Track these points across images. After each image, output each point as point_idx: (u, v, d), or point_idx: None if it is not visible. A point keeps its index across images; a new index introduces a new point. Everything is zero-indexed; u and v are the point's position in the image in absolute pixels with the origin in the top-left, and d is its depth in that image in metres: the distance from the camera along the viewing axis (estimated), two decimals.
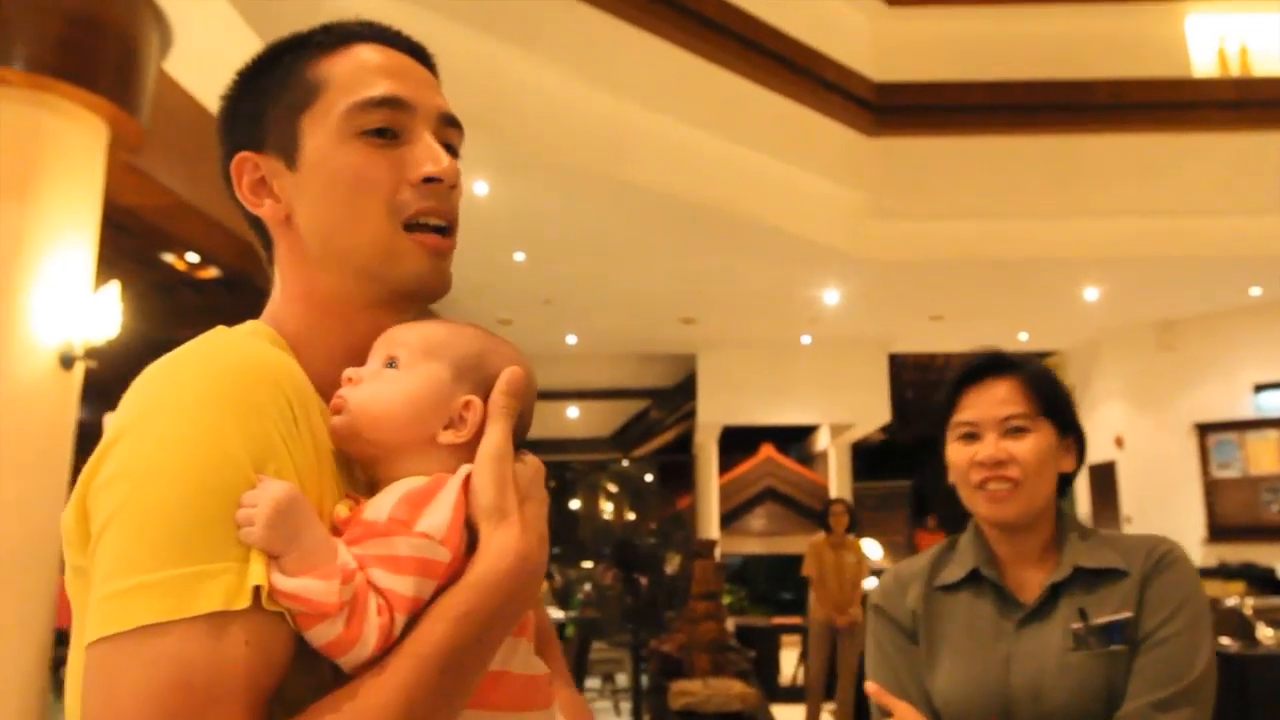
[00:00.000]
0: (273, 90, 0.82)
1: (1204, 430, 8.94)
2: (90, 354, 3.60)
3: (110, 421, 0.67)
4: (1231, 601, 4.69)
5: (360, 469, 0.77)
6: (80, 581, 0.65)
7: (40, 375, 3.42)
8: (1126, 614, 1.24)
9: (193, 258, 6.63)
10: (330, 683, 0.65)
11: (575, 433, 13.18)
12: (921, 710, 1.32)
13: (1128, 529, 8.92)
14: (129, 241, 5.87)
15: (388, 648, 0.64)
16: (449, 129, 0.85)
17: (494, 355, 0.79)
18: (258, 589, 0.61)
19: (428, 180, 0.79)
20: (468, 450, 0.74)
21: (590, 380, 12.33)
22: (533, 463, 0.77)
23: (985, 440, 1.33)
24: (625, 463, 12.81)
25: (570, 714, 0.92)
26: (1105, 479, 9.64)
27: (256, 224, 0.84)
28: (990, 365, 1.39)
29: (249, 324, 0.81)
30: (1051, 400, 1.36)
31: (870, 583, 8.02)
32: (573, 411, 13.03)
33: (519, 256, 7.30)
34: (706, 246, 7.01)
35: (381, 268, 0.79)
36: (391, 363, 0.77)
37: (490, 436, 0.74)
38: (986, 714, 1.27)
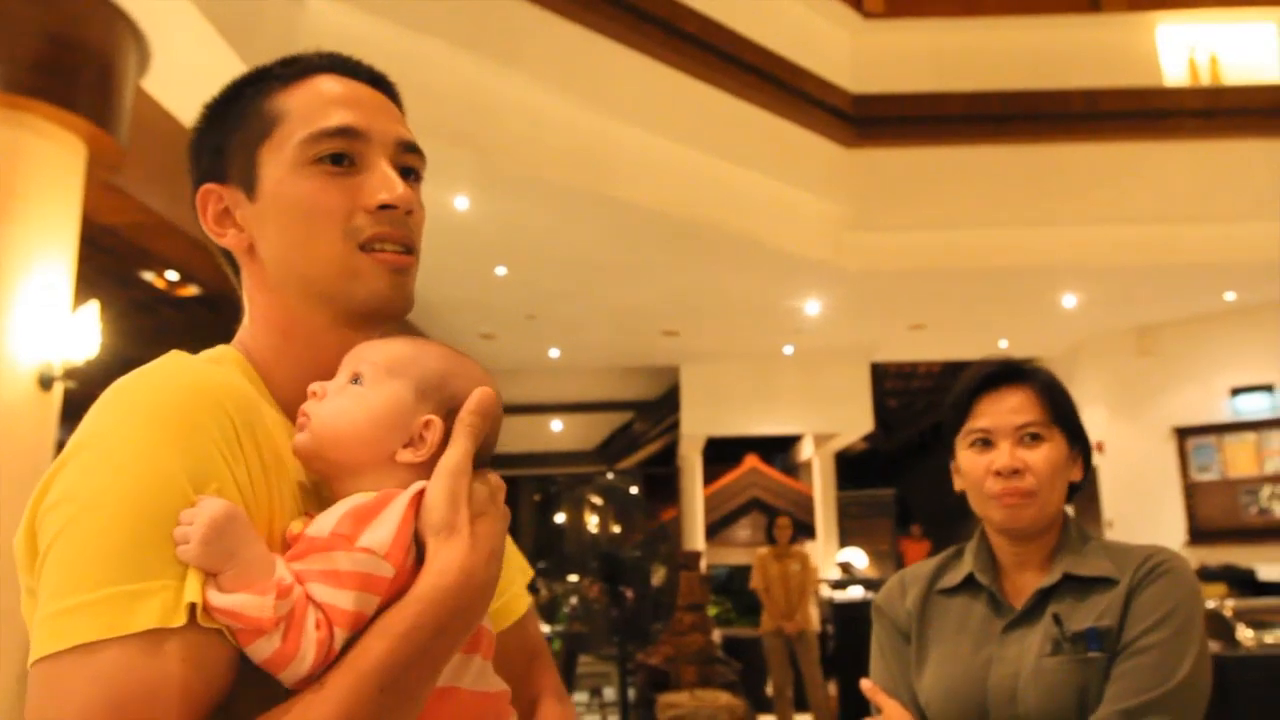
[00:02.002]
0: (234, 123, 0.84)
1: (1183, 434, 9.02)
2: (69, 374, 3.57)
3: (68, 444, 0.69)
4: (1212, 604, 4.73)
5: (323, 487, 0.78)
6: (31, 603, 0.66)
7: (19, 396, 3.39)
8: (1106, 622, 1.25)
9: (173, 275, 6.59)
10: (281, 698, 0.65)
11: (559, 446, 13.15)
12: (910, 709, 1.33)
13: (1109, 534, 8.98)
14: (108, 260, 5.84)
15: (328, 663, 0.65)
16: (408, 155, 0.86)
17: (459, 376, 0.79)
18: (194, 606, 0.62)
19: (382, 207, 0.81)
20: (425, 469, 0.75)
21: (574, 393, 12.32)
22: (493, 481, 0.77)
23: (1000, 448, 1.34)
24: (610, 475, 12.79)
25: None
26: (1086, 484, 9.69)
27: (226, 253, 0.87)
28: (1004, 373, 1.39)
29: (217, 349, 0.83)
30: (1063, 410, 1.37)
31: (830, 590, 8.08)
32: (556, 425, 13.02)
33: (501, 271, 7.30)
34: (688, 260, 7.03)
35: (341, 288, 0.81)
36: (356, 379, 0.77)
37: (451, 452, 0.74)
38: (965, 714, 1.28)
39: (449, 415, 0.76)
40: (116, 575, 0.61)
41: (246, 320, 0.86)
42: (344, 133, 0.81)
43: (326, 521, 0.69)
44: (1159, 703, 1.18)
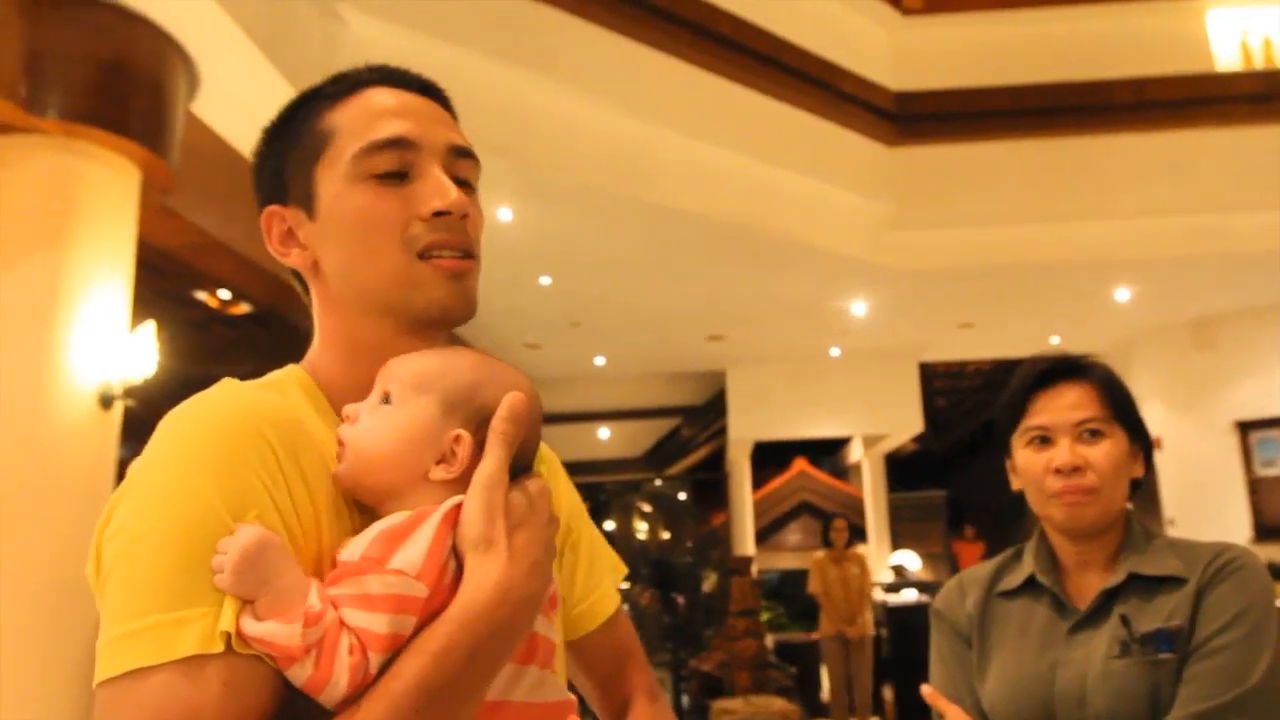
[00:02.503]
0: (289, 144, 0.85)
1: (1245, 428, 8.78)
2: (129, 393, 3.66)
3: (129, 470, 0.72)
4: None
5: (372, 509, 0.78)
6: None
7: (80, 416, 3.48)
8: (1176, 623, 1.21)
9: (225, 294, 6.73)
10: (327, 717, 0.66)
11: (607, 454, 13.17)
12: (973, 714, 1.31)
13: (1171, 532, 8.76)
14: (163, 281, 5.97)
15: (365, 685, 0.65)
16: (461, 160, 0.86)
17: (489, 384, 0.77)
18: (229, 633, 0.64)
19: (437, 214, 0.81)
20: (462, 485, 0.73)
21: (620, 401, 12.34)
22: (533, 488, 0.76)
23: (1059, 445, 1.31)
24: (658, 482, 12.77)
25: None
26: (1145, 482, 9.48)
27: (297, 273, 0.88)
28: (1061, 369, 1.36)
29: (284, 369, 0.85)
30: (1123, 405, 1.34)
31: (883, 594, 8.00)
32: (604, 432, 13.04)
33: (545, 280, 7.33)
34: (732, 263, 7.01)
35: (403, 298, 0.81)
36: (386, 398, 0.76)
37: (485, 464, 0.73)
38: (1031, 719, 1.25)
39: (481, 426, 0.75)
40: (162, 603, 0.64)
41: (316, 339, 0.87)
42: (396, 144, 0.82)
43: (358, 545, 0.69)
44: (1234, 705, 1.14)
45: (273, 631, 0.63)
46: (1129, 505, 1.36)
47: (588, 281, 7.50)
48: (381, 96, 0.85)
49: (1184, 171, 6.77)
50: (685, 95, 5.82)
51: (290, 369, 0.85)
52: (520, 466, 0.76)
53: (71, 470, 3.41)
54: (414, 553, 0.68)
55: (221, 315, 7.19)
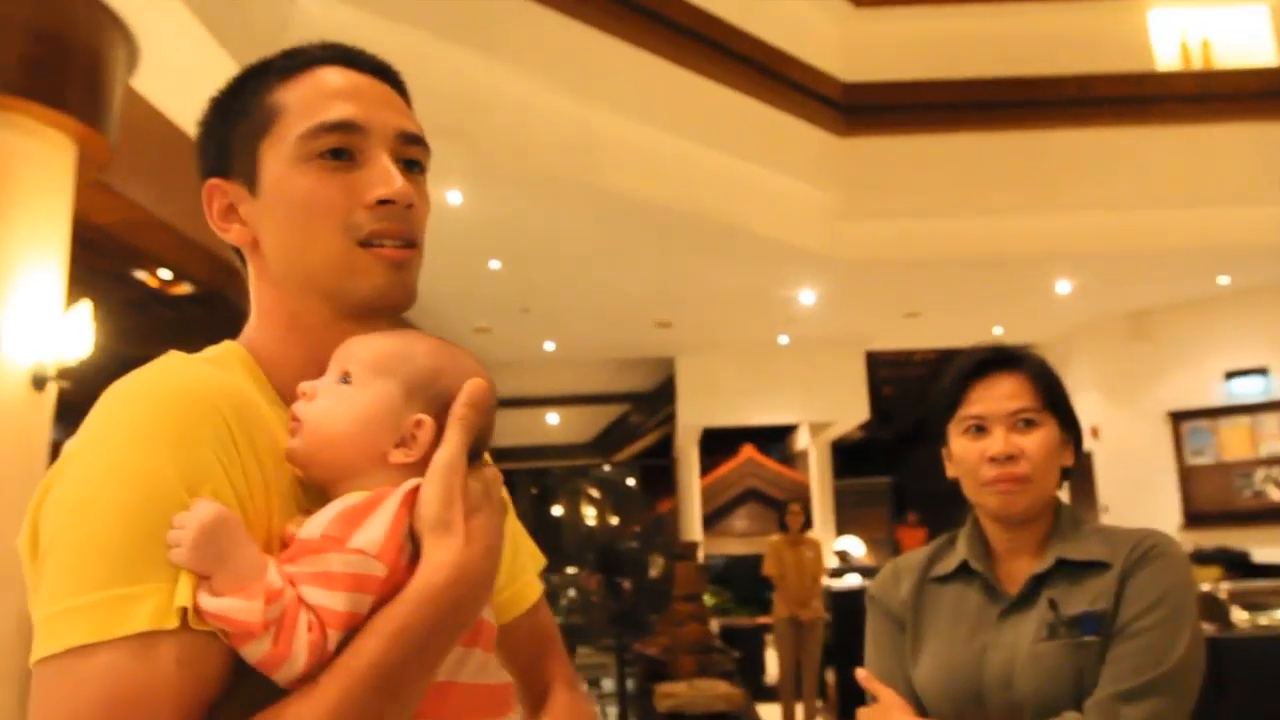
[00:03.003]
0: (235, 118, 0.84)
1: (1177, 418, 9.06)
2: (63, 374, 3.57)
3: (66, 446, 0.70)
4: (1207, 586, 4.76)
5: (322, 488, 0.77)
6: (36, 600, 0.67)
7: (13, 397, 3.38)
8: (1101, 606, 1.25)
9: (165, 274, 6.58)
10: (277, 696, 0.65)
11: (556, 439, 13.16)
12: (906, 697, 1.34)
13: (1105, 519, 9.02)
14: (100, 260, 5.82)
15: (323, 663, 0.65)
16: (411, 147, 0.85)
17: (450, 370, 0.78)
18: (185, 609, 0.62)
19: (381, 202, 0.80)
20: (418, 469, 0.74)
21: (569, 386, 12.33)
22: (488, 474, 0.77)
23: (994, 434, 1.34)
24: (607, 468, 12.81)
25: (567, 717, 0.93)
26: (1081, 469, 9.74)
27: (235, 248, 0.86)
28: (997, 360, 1.39)
29: (222, 345, 0.83)
30: (1055, 395, 1.37)
31: (828, 579, 8.15)
32: (553, 418, 13.02)
33: (494, 265, 7.29)
34: (681, 250, 7.03)
35: (342, 284, 0.80)
36: (345, 378, 0.76)
37: (444, 448, 0.74)
38: (962, 701, 1.28)
39: (441, 411, 0.76)
40: (111, 578, 0.62)
41: (253, 315, 0.86)
42: (342, 126, 0.81)
43: (318, 523, 0.69)
44: (1154, 685, 1.19)
45: (232, 607, 0.62)
46: (1060, 493, 1.40)
47: (538, 266, 7.47)
48: (333, 76, 0.84)
49: (1125, 168, 6.94)
50: (637, 81, 5.81)
51: (228, 345, 0.83)
52: (475, 452, 0.77)
53: (3, 452, 3.33)
54: (374, 532, 0.68)
55: (161, 295, 7.03)
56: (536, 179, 5.67)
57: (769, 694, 7.50)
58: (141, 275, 6.62)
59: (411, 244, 0.84)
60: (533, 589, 0.98)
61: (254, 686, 0.65)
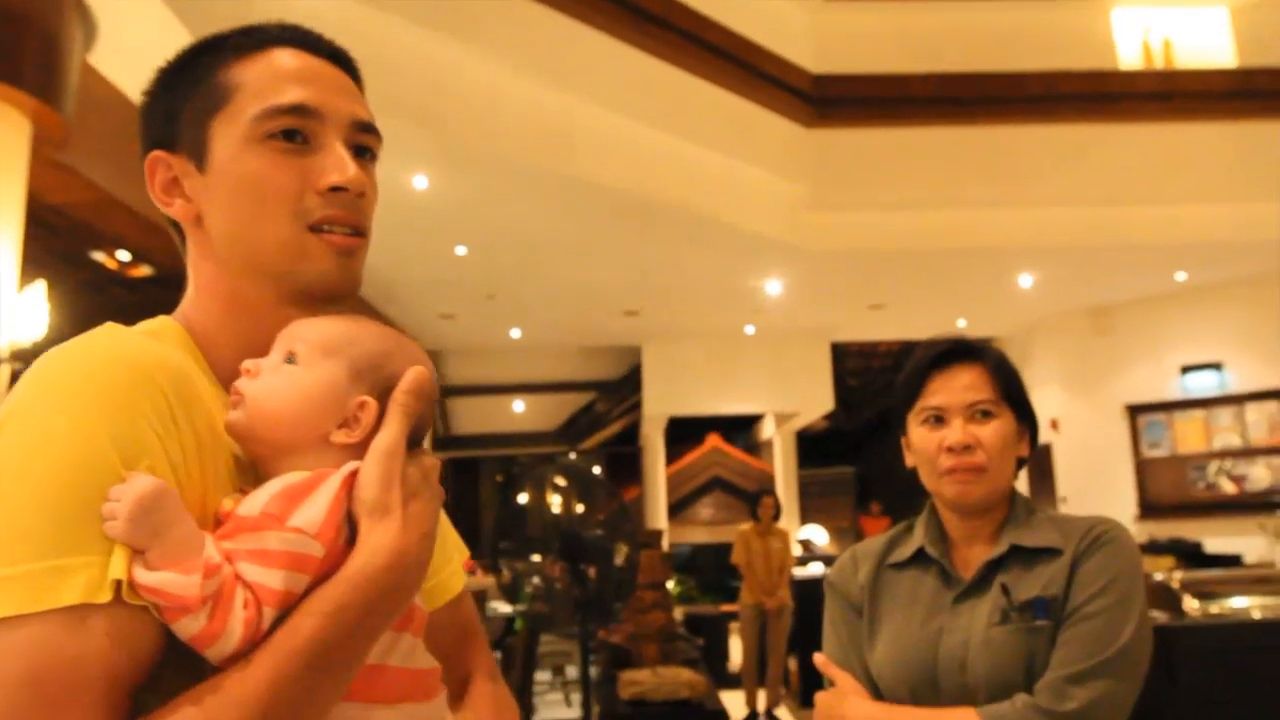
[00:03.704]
0: (187, 91, 0.82)
1: (1134, 411, 9.23)
2: (16, 356, 3.50)
3: None
4: (1160, 576, 4.86)
5: (256, 465, 0.77)
6: None
7: None
8: (1052, 591, 1.28)
9: (124, 255, 6.47)
10: (209, 673, 0.65)
11: (521, 426, 13.13)
12: (862, 681, 1.36)
13: (1064, 509, 9.12)
14: (56, 240, 5.71)
15: (256, 641, 0.65)
16: (364, 135, 0.85)
17: (395, 356, 0.79)
18: (119, 582, 0.62)
19: (334, 189, 0.80)
20: (360, 450, 0.75)
21: (535, 374, 12.30)
22: (426, 462, 0.77)
23: (952, 425, 1.36)
24: (572, 456, 12.80)
25: (488, 707, 0.94)
26: (1041, 461, 9.89)
27: (174, 221, 0.85)
28: (956, 351, 1.41)
29: (157, 320, 0.82)
30: (1012, 387, 1.40)
31: (805, 568, 8.24)
32: (518, 405, 12.99)
33: (461, 251, 7.24)
34: (649, 239, 7.03)
35: (288, 268, 0.80)
36: (291, 358, 0.76)
37: (384, 433, 0.74)
38: (917, 684, 1.31)
39: (384, 396, 0.76)
40: (41, 550, 0.61)
41: (190, 291, 0.85)
42: (297, 110, 0.80)
43: (257, 500, 0.69)
44: (1102, 667, 1.22)
45: (169, 581, 0.62)
46: (1017, 483, 1.42)
47: (504, 253, 7.43)
48: (289, 59, 0.83)
49: (1087, 164, 7.03)
50: (608, 69, 5.79)
51: (163, 320, 0.82)
52: (415, 439, 0.77)
53: None
54: (313, 512, 0.69)
55: (120, 277, 6.91)
56: (504, 164, 5.64)
57: (733, 681, 7.55)
58: (99, 257, 6.51)
59: (360, 232, 0.83)
60: (456, 579, 0.99)
61: (185, 663, 0.65)
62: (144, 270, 6.74)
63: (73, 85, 3.73)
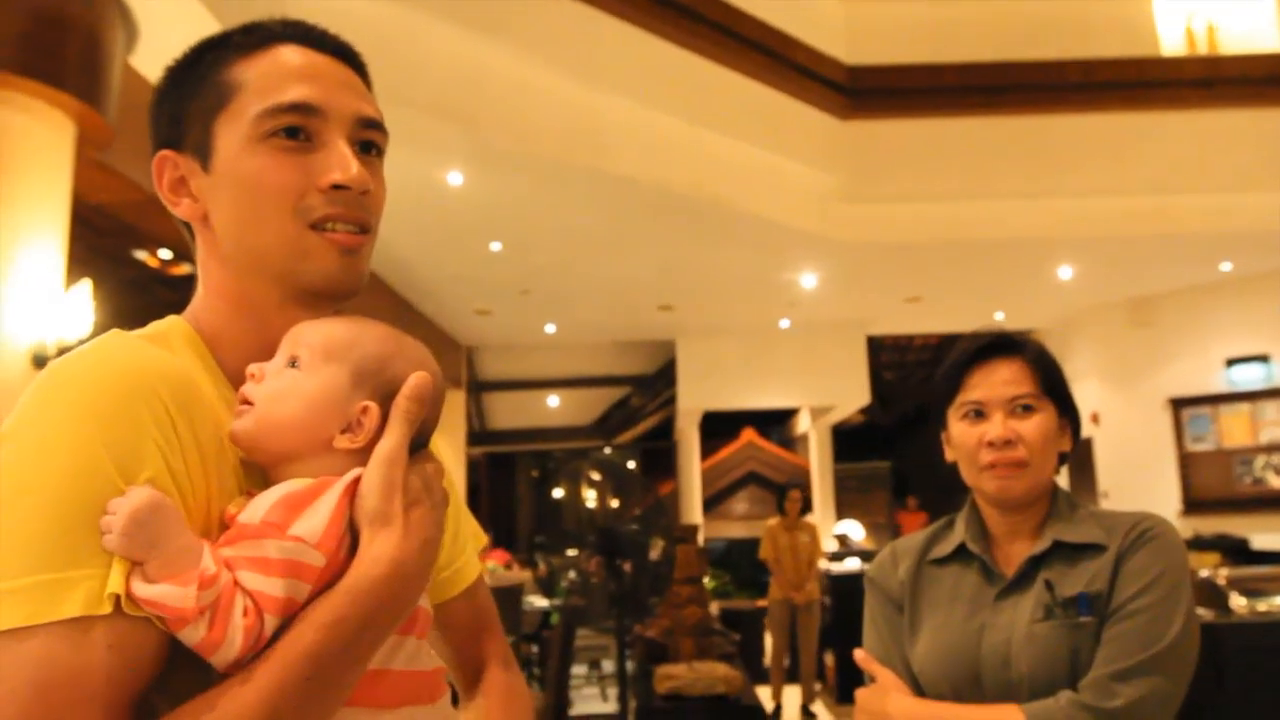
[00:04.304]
0: (192, 90, 0.82)
1: (1178, 405, 9.06)
2: (63, 353, 3.56)
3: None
4: (1206, 572, 4.77)
5: (263, 469, 0.77)
6: None
7: (15, 376, 3.39)
8: (1096, 587, 1.26)
9: (165, 254, 6.57)
10: (217, 679, 0.66)
11: (556, 421, 13.18)
12: (904, 677, 1.35)
13: (1105, 504, 9.03)
14: (100, 240, 5.81)
15: (259, 648, 0.65)
16: (369, 131, 0.84)
17: (398, 360, 0.79)
18: (119, 596, 0.62)
19: (335, 187, 0.79)
20: (363, 455, 0.74)
21: (570, 369, 12.33)
22: (429, 468, 0.77)
23: (993, 420, 1.35)
24: (607, 450, 12.83)
25: (501, 695, 0.95)
26: (1082, 456, 9.75)
27: (185, 222, 0.85)
28: (996, 345, 1.40)
29: (166, 320, 0.82)
30: (1053, 381, 1.38)
31: (827, 563, 8.19)
32: (553, 400, 13.03)
33: (495, 246, 7.27)
34: (682, 233, 7.01)
35: (290, 267, 0.79)
36: (294, 362, 0.76)
37: (386, 440, 0.74)
38: (959, 681, 1.29)
39: (387, 400, 0.76)
40: (42, 563, 0.61)
41: (199, 290, 0.85)
42: (299, 108, 0.79)
43: (258, 508, 0.69)
44: (1148, 665, 1.20)
45: (165, 593, 0.62)
46: (1059, 478, 1.40)
47: (539, 248, 7.46)
48: (292, 55, 0.82)
49: (1128, 153, 6.91)
50: (639, 63, 5.78)
51: (173, 320, 0.83)
52: (419, 444, 0.77)
53: None
54: (315, 522, 0.69)
55: (162, 276, 7.02)
56: (538, 161, 5.65)
57: (768, 676, 7.55)
58: (142, 255, 6.61)
59: (365, 229, 0.82)
60: (471, 568, 0.99)
61: (190, 673, 0.66)
62: (185, 269, 6.84)
63: (115, 87, 3.79)
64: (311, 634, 0.66)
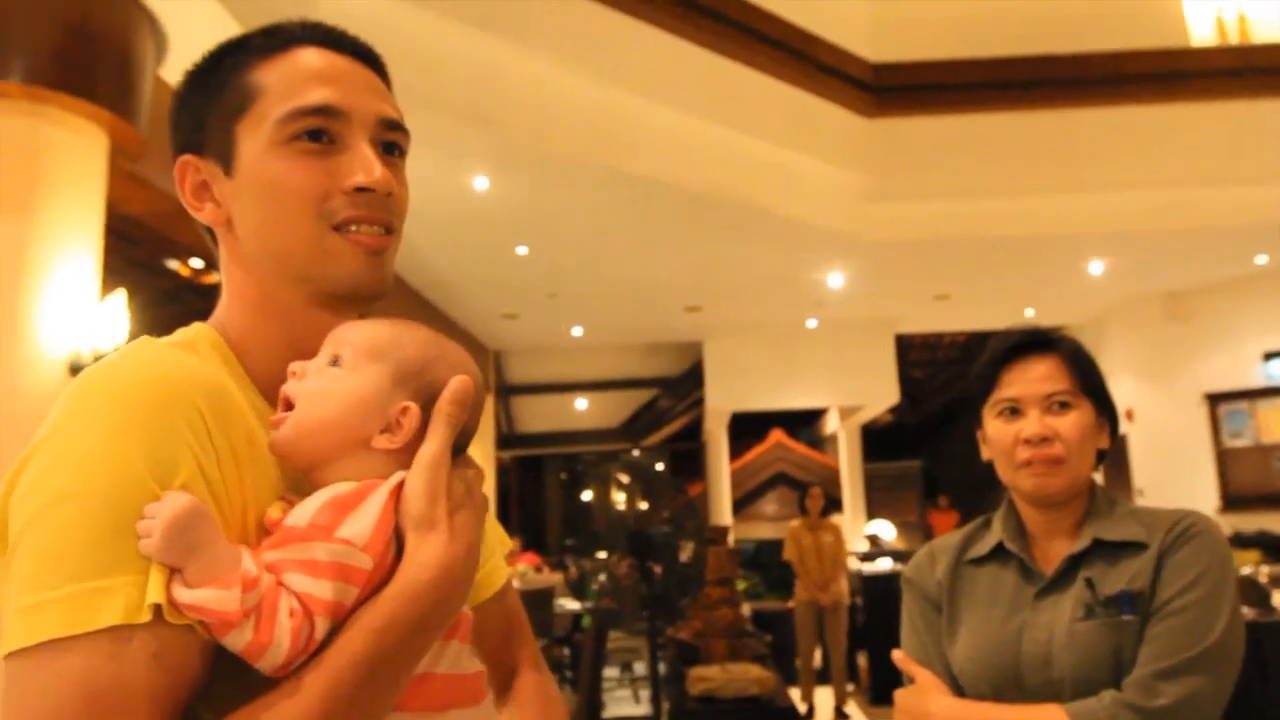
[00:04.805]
0: (213, 94, 0.82)
1: (1214, 400, 8.92)
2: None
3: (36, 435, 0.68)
4: (1246, 570, 4.69)
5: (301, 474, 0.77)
6: (5, 592, 0.65)
7: (50, 386, 3.43)
8: (1138, 585, 1.24)
9: (197, 263, 6.65)
10: (262, 685, 0.65)
11: (584, 424, 13.20)
12: (943, 678, 1.34)
13: (1141, 502, 8.91)
14: (133, 250, 5.89)
15: (309, 652, 0.65)
16: (392, 132, 0.84)
17: (441, 363, 0.78)
18: (158, 605, 0.61)
19: (359, 190, 0.79)
20: (402, 456, 0.74)
21: (597, 371, 12.35)
22: (470, 473, 0.77)
23: (1029, 417, 1.34)
24: (635, 452, 12.83)
25: (536, 698, 0.95)
26: (1116, 452, 9.62)
27: (207, 226, 0.85)
28: (1031, 342, 1.39)
29: (193, 327, 0.82)
30: (1090, 378, 1.37)
31: (859, 563, 8.13)
32: (581, 403, 13.05)
33: (522, 250, 7.30)
34: (708, 234, 7.00)
35: (315, 269, 0.79)
36: (335, 361, 0.76)
37: (429, 444, 0.74)
38: (999, 681, 1.28)
39: (428, 402, 0.76)
40: (80, 572, 0.61)
41: (224, 296, 0.84)
42: (322, 111, 0.79)
43: (305, 511, 0.69)
44: (1193, 663, 1.18)
45: (208, 598, 0.62)
46: (1096, 475, 1.38)
47: (565, 251, 7.47)
48: (313, 58, 0.82)
49: (1158, 145, 6.81)
50: (663, 64, 5.77)
51: (199, 327, 0.82)
52: (458, 448, 0.77)
53: None
54: (363, 525, 0.69)
55: (194, 284, 7.11)
56: (563, 164, 5.66)
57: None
58: (174, 265, 6.70)
59: (389, 231, 0.82)
60: (500, 573, 0.99)
61: (234, 682, 0.65)
62: (215, 277, 6.90)
63: (146, 99, 3.84)
64: (361, 639, 0.66)
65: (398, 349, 0.77)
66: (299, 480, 0.77)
